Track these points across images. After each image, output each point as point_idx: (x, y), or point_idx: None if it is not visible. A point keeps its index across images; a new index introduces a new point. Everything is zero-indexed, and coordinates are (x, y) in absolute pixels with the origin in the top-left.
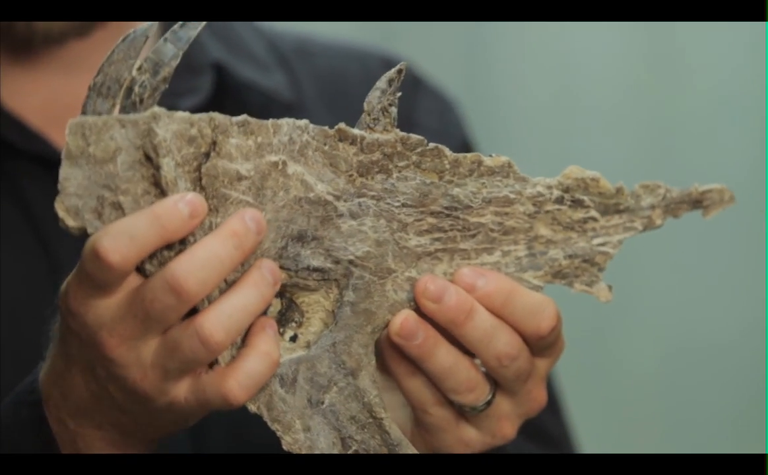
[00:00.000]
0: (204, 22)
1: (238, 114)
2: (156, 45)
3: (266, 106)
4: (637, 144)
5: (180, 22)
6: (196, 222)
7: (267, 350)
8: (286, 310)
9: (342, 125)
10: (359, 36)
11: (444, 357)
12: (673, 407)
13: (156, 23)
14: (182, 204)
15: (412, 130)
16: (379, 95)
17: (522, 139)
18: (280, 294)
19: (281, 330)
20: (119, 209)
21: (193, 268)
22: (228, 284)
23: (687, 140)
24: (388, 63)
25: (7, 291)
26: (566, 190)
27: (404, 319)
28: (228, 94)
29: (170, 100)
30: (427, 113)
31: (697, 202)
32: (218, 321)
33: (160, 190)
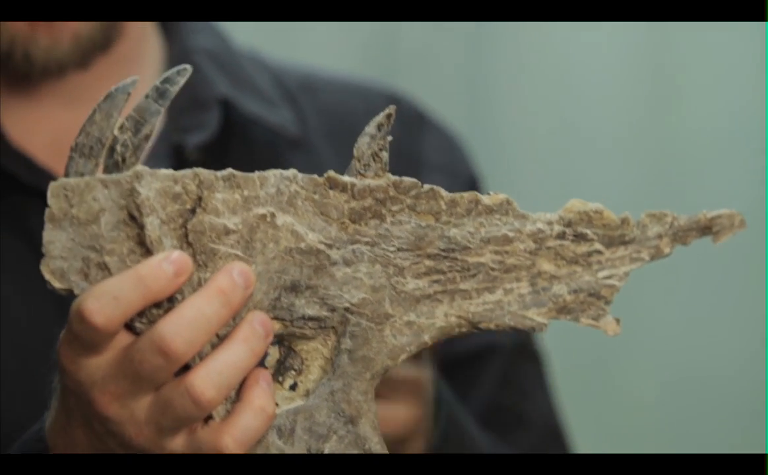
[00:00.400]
0: (186, 76)
1: (245, 149)
2: (137, 102)
3: (272, 142)
4: (639, 175)
5: (162, 77)
6: (182, 280)
7: (261, 404)
8: (284, 358)
9: (331, 173)
10: (361, 71)
11: None
12: (674, 436)
13: (137, 79)
14: (166, 263)
15: (419, 167)
16: (368, 141)
17: (524, 173)
18: (278, 342)
19: (280, 379)
20: (105, 270)
21: (180, 328)
22: (220, 338)
23: (690, 171)
24: (391, 99)
25: (15, 327)
26: (568, 224)
27: None
28: (234, 130)
29: (178, 137)
30: (434, 150)
31: (706, 229)
32: (209, 379)
33: (145, 249)
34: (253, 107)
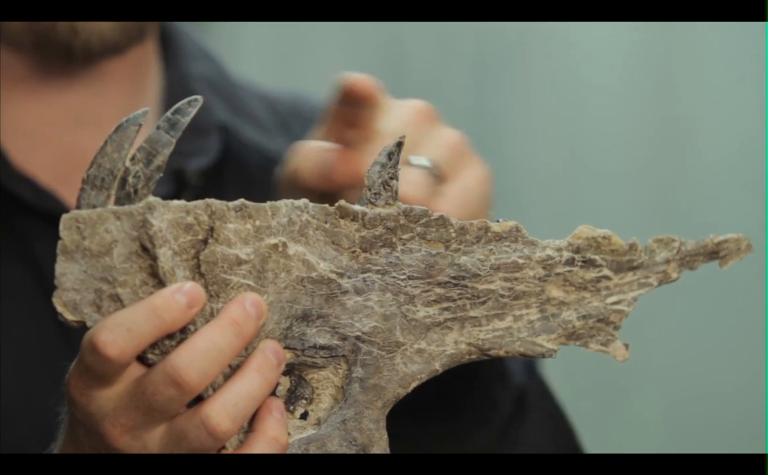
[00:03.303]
0: (197, 107)
1: (242, 175)
2: (149, 134)
3: (269, 168)
4: (647, 204)
5: (173, 108)
6: (195, 311)
7: (275, 435)
8: (295, 387)
9: (342, 202)
10: None
11: None
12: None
13: (148, 109)
14: (179, 295)
15: None
16: (379, 170)
17: (532, 204)
18: (289, 371)
19: (291, 408)
20: (118, 301)
21: (193, 359)
22: (231, 369)
23: (696, 200)
24: None
25: (18, 350)
26: (577, 250)
27: None
28: (233, 156)
29: (178, 161)
30: None
31: (713, 254)
32: (224, 410)
33: (158, 280)
34: (250, 134)
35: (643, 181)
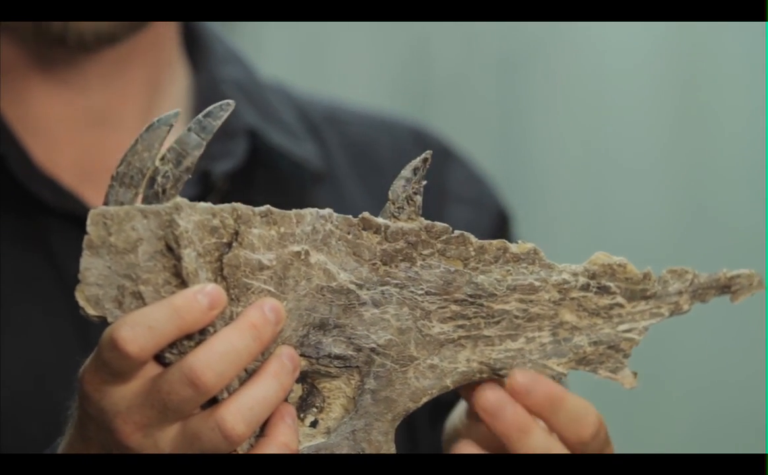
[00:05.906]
0: (229, 111)
1: (269, 180)
2: (180, 135)
3: (296, 174)
4: (669, 201)
5: (204, 111)
6: (215, 313)
7: (286, 441)
8: (307, 395)
9: (366, 214)
10: (394, 100)
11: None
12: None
13: (180, 111)
14: (201, 296)
15: (445, 200)
16: (403, 184)
17: (556, 200)
18: (302, 379)
19: (301, 415)
20: (140, 299)
21: (210, 361)
22: (248, 373)
23: (717, 198)
24: (416, 133)
25: (36, 349)
26: (592, 276)
27: (486, 395)
28: (260, 160)
29: (205, 164)
30: (460, 183)
31: (725, 288)
32: (239, 414)
33: (180, 280)
34: (278, 139)
35: (667, 177)
